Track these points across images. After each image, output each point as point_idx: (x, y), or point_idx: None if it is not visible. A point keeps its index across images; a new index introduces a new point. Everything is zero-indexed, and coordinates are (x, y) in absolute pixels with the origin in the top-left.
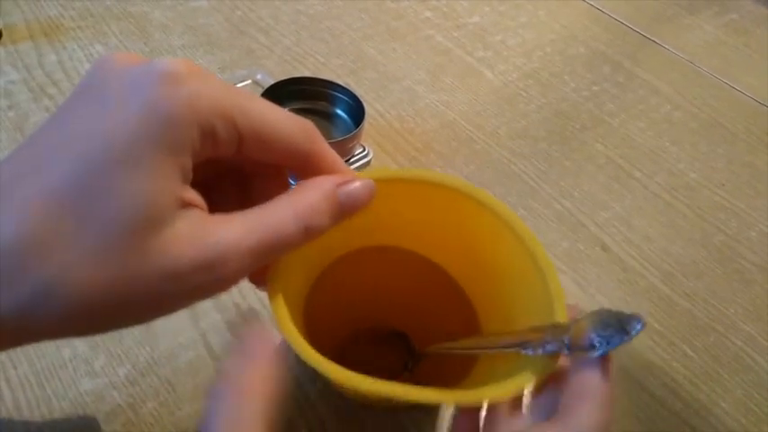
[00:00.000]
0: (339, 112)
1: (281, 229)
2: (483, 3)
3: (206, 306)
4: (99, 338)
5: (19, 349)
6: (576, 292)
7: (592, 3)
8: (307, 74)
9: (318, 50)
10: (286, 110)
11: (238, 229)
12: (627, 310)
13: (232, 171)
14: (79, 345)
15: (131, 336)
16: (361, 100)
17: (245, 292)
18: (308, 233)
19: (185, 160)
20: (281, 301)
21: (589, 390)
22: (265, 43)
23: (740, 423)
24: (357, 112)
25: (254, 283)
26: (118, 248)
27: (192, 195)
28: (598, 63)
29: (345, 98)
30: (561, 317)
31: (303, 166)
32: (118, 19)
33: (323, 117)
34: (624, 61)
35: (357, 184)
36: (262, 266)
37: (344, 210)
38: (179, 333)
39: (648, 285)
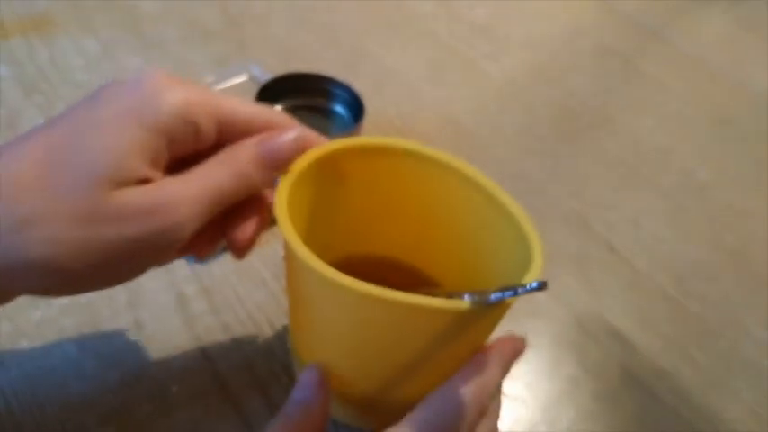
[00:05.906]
0: (337, 108)
1: (215, 178)
2: None
3: (201, 309)
4: (89, 342)
5: (9, 353)
6: (583, 295)
7: None
8: (303, 68)
9: (315, 44)
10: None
11: (180, 181)
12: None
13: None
14: (70, 348)
15: (124, 338)
16: (360, 96)
17: (242, 296)
18: (241, 183)
19: (158, 142)
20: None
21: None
22: (260, 36)
23: None
24: (356, 108)
25: (198, 257)
26: (81, 194)
27: (157, 177)
28: (606, 58)
29: (344, 94)
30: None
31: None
32: (109, 12)
33: (321, 114)
34: (633, 56)
35: (281, 138)
36: (207, 239)
37: (271, 161)
38: (173, 336)
39: (658, 289)
